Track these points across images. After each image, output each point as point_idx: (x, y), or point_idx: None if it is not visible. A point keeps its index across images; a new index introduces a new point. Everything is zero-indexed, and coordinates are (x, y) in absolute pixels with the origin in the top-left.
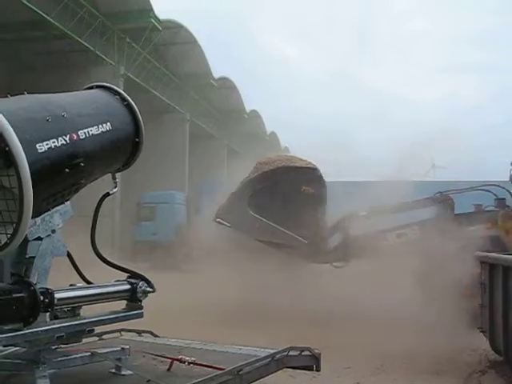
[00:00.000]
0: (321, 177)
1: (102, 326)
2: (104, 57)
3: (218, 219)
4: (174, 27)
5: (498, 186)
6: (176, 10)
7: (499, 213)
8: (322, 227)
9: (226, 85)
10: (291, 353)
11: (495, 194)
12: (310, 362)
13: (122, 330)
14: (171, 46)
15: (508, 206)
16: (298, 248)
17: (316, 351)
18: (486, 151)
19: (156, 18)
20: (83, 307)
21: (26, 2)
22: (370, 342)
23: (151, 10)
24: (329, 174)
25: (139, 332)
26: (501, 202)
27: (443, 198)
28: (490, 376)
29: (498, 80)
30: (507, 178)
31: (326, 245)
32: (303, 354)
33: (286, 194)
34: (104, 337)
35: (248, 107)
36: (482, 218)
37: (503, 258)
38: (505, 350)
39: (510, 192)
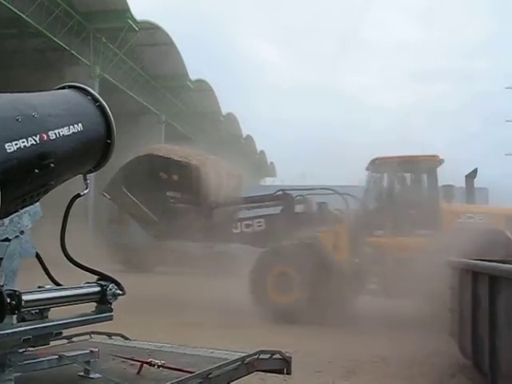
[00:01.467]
0: (186, 168)
1: (73, 329)
2: (79, 56)
3: (103, 192)
4: (151, 28)
5: (332, 189)
6: (153, 11)
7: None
8: (173, 209)
9: (203, 87)
10: (261, 356)
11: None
12: (281, 366)
13: (93, 332)
14: (148, 47)
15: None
16: (152, 224)
17: (287, 354)
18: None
19: (133, 18)
20: (53, 309)
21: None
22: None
23: (128, 10)
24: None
25: (110, 335)
26: (322, 205)
27: (283, 196)
28: (458, 379)
29: (476, 87)
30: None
31: (174, 224)
32: (274, 357)
33: (149, 177)
34: (74, 339)
35: (224, 110)
36: (320, 218)
37: (472, 264)
38: (473, 354)
39: (340, 194)
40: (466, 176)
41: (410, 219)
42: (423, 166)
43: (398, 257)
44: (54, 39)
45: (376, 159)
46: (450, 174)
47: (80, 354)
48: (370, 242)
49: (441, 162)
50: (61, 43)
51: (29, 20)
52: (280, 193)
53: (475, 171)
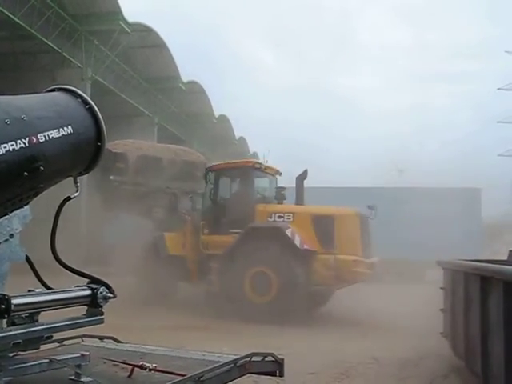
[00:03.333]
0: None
1: (64, 332)
2: (71, 59)
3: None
4: (143, 30)
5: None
6: (145, 13)
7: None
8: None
9: (195, 89)
10: (254, 358)
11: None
12: (274, 368)
13: (84, 335)
14: (140, 49)
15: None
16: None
17: (279, 357)
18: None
19: (125, 20)
20: (44, 313)
21: None
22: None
23: (120, 12)
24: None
25: (101, 338)
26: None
27: None
28: (451, 380)
29: (472, 91)
30: None
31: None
32: (266, 359)
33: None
34: (65, 343)
35: (217, 112)
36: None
37: (464, 264)
38: (465, 355)
39: (187, 194)
40: (296, 177)
41: (228, 219)
42: (240, 171)
43: (214, 253)
44: (46, 41)
45: (208, 167)
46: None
47: (71, 358)
48: (202, 240)
49: (260, 167)
50: (52, 45)
51: (20, 22)
52: None
53: (305, 172)
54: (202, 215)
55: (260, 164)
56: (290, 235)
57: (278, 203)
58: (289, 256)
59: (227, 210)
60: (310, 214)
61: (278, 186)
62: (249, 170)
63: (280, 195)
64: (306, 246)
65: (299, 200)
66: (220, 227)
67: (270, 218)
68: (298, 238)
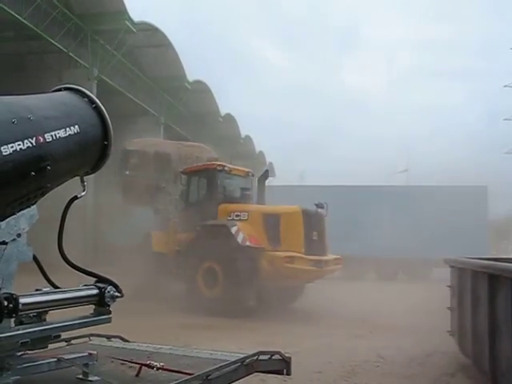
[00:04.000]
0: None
1: (72, 331)
2: (77, 59)
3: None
4: (149, 29)
5: None
6: (150, 12)
7: None
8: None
9: (201, 88)
10: (261, 357)
11: None
12: (281, 366)
13: (91, 334)
14: (145, 49)
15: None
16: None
17: (286, 355)
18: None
19: (130, 20)
20: (51, 312)
21: None
22: (339, 345)
23: (125, 12)
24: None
25: (109, 337)
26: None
27: None
28: (459, 378)
29: (476, 87)
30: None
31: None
32: (273, 358)
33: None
34: (73, 342)
35: (223, 111)
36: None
37: (472, 263)
38: (473, 353)
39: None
40: (258, 178)
41: (194, 218)
42: (206, 173)
43: (177, 249)
44: (52, 41)
45: (181, 170)
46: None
47: (78, 357)
48: (173, 238)
49: (224, 169)
50: (58, 45)
51: (26, 22)
52: None
53: (266, 173)
54: (178, 214)
55: (223, 166)
56: (233, 233)
57: (244, 203)
58: (233, 252)
59: (194, 209)
60: (261, 212)
61: (243, 186)
62: (213, 172)
63: (245, 195)
64: (248, 243)
65: (260, 199)
66: (188, 225)
67: (230, 216)
68: (242, 235)
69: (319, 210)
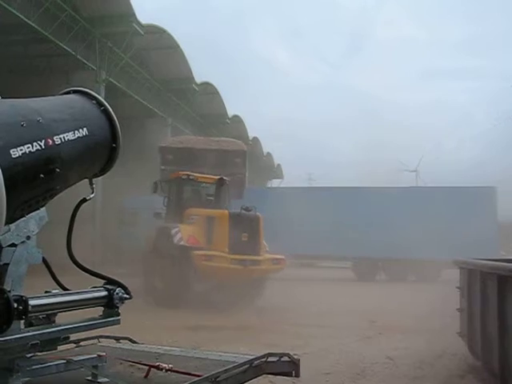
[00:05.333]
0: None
1: (81, 333)
2: (85, 61)
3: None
4: (156, 32)
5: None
6: (158, 15)
7: None
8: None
9: (208, 90)
10: (270, 359)
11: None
12: (289, 368)
13: (100, 336)
14: (153, 51)
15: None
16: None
17: (295, 357)
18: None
19: (138, 22)
20: (60, 314)
21: (6, 5)
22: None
23: (133, 14)
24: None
25: (117, 338)
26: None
27: None
28: (468, 380)
29: (484, 86)
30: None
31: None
32: (282, 359)
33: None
34: (82, 344)
35: (230, 112)
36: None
37: (481, 264)
38: (482, 355)
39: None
40: (215, 184)
41: (169, 221)
42: (175, 182)
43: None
44: (60, 44)
45: (158, 180)
46: None
47: (87, 359)
48: (150, 239)
49: (188, 177)
50: (66, 48)
51: (35, 26)
52: None
53: (222, 180)
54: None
55: (188, 175)
56: (172, 234)
57: (212, 208)
58: (170, 250)
59: (170, 213)
60: (204, 215)
61: (208, 193)
62: (179, 180)
63: (207, 200)
64: (182, 243)
65: (222, 203)
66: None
67: (188, 219)
68: (180, 235)
69: (249, 213)
